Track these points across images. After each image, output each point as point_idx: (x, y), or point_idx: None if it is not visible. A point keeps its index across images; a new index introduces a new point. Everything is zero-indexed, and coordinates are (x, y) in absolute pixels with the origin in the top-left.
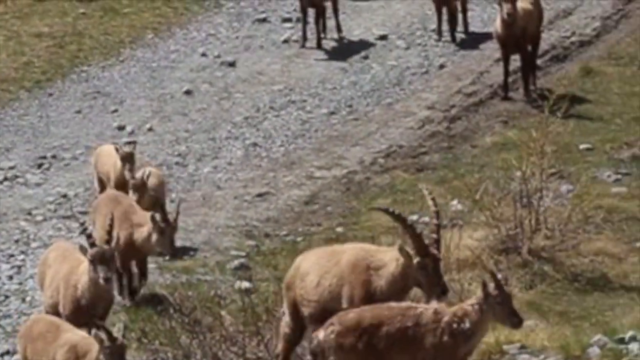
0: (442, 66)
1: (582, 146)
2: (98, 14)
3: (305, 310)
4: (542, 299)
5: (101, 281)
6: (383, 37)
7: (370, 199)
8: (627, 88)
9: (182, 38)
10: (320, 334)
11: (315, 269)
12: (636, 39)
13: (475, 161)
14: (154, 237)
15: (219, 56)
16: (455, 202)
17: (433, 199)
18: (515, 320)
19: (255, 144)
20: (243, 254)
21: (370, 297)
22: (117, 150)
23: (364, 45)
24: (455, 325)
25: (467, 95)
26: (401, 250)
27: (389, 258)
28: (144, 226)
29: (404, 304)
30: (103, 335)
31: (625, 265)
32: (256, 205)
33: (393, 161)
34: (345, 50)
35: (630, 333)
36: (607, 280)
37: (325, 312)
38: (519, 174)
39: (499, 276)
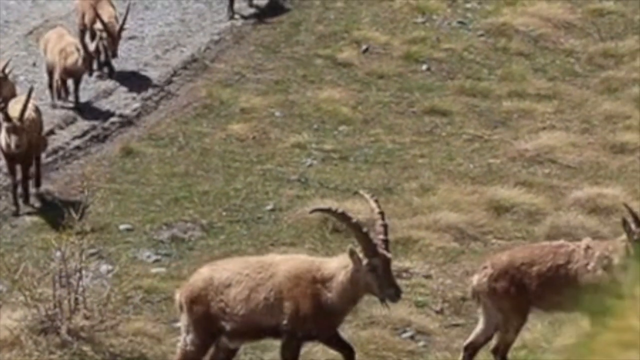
0: None
1: (122, 226)
2: None
3: (227, 325)
4: None
5: None
6: None
7: None
8: (168, 169)
9: None
10: (475, 278)
11: (241, 281)
12: (176, 120)
13: (15, 241)
14: None
15: None
16: None
17: (376, 201)
18: None
19: None
20: None
21: (319, 310)
22: None
23: None
24: (606, 262)
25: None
26: (352, 254)
27: (335, 267)
28: None
29: (555, 242)
30: None
31: (164, 346)
32: None
33: None
34: None
35: None
36: None
37: (253, 327)
38: (58, 254)
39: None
